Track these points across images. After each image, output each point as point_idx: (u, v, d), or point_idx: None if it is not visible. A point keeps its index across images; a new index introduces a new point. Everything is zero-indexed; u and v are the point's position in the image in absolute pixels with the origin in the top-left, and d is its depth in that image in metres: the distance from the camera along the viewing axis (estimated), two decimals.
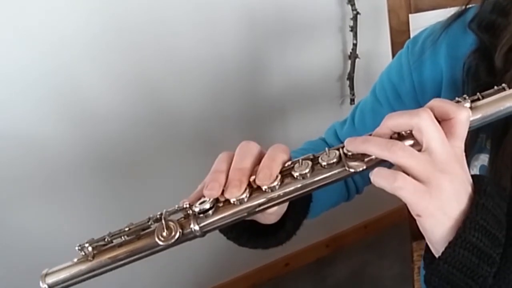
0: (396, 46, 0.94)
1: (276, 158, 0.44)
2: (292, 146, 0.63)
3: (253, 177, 0.44)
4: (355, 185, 0.72)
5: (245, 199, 0.43)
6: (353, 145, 0.43)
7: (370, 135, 0.44)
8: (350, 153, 0.43)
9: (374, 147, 0.42)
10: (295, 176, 0.43)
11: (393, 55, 0.93)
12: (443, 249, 0.41)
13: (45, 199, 1.21)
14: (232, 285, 1.63)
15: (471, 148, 0.58)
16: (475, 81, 0.56)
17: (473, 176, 0.44)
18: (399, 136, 0.43)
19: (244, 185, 0.43)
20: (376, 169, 0.42)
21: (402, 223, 1.17)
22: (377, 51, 1.42)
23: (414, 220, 0.42)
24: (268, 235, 0.54)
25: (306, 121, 1.45)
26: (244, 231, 0.52)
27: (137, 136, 1.24)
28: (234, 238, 0.52)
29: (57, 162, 1.17)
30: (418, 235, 0.97)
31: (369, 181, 0.42)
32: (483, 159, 0.58)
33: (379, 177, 0.41)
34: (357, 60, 1.40)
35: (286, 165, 0.45)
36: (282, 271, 1.69)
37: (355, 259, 1.73)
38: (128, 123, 1.21)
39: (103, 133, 1.20)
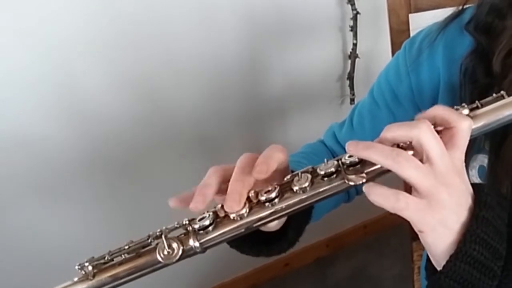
0: (396, 46, 0.94)
1: (272, 156, 0.44)
2: (292, 146, 0.63)
3: (252, 192, 0.43)
4: (355, 187, 0.72)
5: (245, 214, 0.43)
6: (355, 149, 0.41)
7: None
8: (348, 161, 0.42)
9: (378, 155, 0.40)
10: (295, 190, 0.43)
11: (393, 55, 0.93)
12: (444, 262, 0.41)
13: (44, 198, 1.20)
14: (232, 285, 1.63)
15: (470, 148, 0.57)
16: (472, 82, 0.55)
17: (473, 186, 0.43)
18: (398, 147, 0.42)
19: (244, 198, 0.43)
20: (375, 188, 0.40)
21: (402, 223, 1.17)
22: (377, 51, 1.42)
23: None
24: (270, 243, 0.53)
25: (306, 121, 1.45)
26: (246, 239, 0.51)
27: (136, 136, 1.24)
28: (237, 246, 0.52)
29: (56, 162, 1.17)
30: (418, 235, 0.97)
31: None
32: (482, 159, 0.58)
33: (379, 197, 0.40)
34: (357, 60, 1.39)
35: (285, 179, 0.44)
36: (282, 271, 1.68)
37: (355, 259, 1.72)
38: (128, 123, 1.21)
39: (103, 133, 1.20)
